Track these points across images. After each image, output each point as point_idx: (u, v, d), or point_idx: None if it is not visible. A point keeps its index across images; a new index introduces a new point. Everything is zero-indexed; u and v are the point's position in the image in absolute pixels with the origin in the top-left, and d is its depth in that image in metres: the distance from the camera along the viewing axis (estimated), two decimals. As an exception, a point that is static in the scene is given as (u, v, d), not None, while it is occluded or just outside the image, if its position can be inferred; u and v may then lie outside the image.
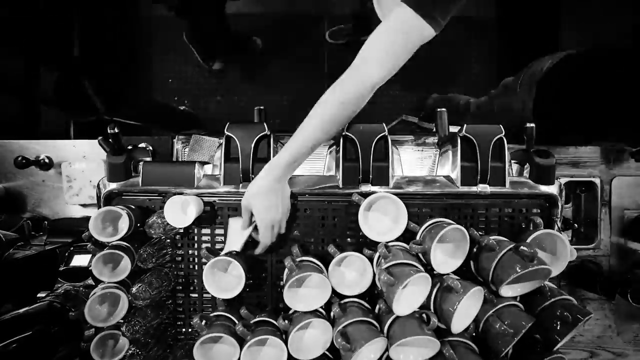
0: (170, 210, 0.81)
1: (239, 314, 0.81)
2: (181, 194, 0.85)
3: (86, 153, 1.22)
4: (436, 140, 1.09)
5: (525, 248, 0.73)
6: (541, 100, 1.12)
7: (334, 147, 0.96)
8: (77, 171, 1.17)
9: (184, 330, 0.93)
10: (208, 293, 0.80)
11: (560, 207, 0.87)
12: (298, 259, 0.81)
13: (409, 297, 0.76)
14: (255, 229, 0.83)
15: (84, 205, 1.20)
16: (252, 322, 0.81)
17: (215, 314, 0.82)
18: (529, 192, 0.87)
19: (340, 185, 0.87)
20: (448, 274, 0.77)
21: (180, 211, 0.82)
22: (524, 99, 1.18)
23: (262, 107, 0.96)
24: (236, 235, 0.85)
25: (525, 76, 1.21)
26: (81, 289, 1.01)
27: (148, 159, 0.93)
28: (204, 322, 0.78)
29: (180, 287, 0.91)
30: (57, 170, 1.21)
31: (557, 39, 2.20)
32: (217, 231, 0.90)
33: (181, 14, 1.79)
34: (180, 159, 1.18)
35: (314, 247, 0.90)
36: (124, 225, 0.81)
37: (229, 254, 0.82)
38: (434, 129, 1.00)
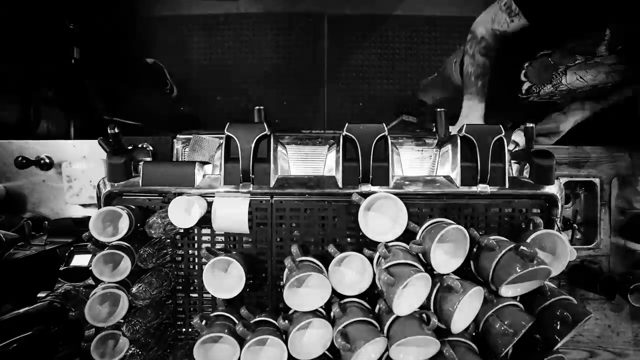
0: (174, 211, 0.81)
1: (239, 314, 0.81)
2: (182, 194, 0.85)
3: (86, 153, 1.22)
4: (436, 140, 1.09)
5: (525, 248, 0.73)
6: None
7: (334, 147, 0.96)
8: (77, 171, 1.17)
9: (184, 330, 0.93)
10: (208, 293, 0.80)
11: (560, 207, 0.87)
12: (298, 259, 0.81)
13: (409, 297, 0.76)
14: None
15: (84, 205, 1.20)
16: (252, 322, 0.81)
17: (215, 313, 0.82)
18: (529, 192, 0.87)
19: (340, 185, 0.87)
20: (448, 274, 0.78)
21: (184, 212, 0.83)
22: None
23: (261, 107, 0.97)
24: None
25: None
26: (81, 289, 1.01)
27: (148, 159, 0.93)
28: (204, 322, 0.79)
29: (180, 287, 0.91)
30: (57, 170, 1.21)
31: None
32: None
33: None
34: (180, 159, 1.18)
35: (314, 247, 0.90)
36: (124, 225, 0.81)
37: (229, 254, 0.82)
38: (434, 129, 1.01)
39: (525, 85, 1.14)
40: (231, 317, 0.81)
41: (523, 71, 1.13)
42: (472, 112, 1.16)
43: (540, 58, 1.11)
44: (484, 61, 1.13)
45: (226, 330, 0.76)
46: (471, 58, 1.14)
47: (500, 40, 1.10)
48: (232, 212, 0.84)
